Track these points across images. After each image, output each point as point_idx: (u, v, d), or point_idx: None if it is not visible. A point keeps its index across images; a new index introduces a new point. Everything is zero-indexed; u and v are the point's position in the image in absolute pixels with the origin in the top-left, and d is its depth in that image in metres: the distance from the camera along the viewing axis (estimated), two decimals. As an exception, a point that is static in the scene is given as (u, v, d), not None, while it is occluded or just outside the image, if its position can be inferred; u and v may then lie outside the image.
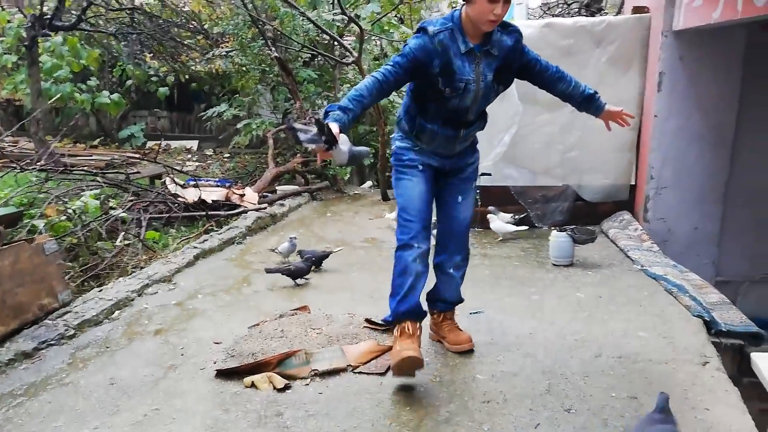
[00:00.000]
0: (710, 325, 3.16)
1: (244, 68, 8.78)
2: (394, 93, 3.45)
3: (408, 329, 2.66)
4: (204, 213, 5.73)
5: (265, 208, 6.16)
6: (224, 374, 2.73)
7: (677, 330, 3.13)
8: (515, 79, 2.75)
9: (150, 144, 11.57)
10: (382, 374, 2.71)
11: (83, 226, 4.74)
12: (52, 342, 3.09)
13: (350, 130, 2.36)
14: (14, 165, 5.41)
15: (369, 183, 8.53)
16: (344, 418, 2.37)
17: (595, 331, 3.15)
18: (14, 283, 3.22)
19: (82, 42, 9.52)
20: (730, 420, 2.29)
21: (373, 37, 8.59)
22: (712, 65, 4.80)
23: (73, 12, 8.81)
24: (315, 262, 4.23)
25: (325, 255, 4.36)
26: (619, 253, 4.60)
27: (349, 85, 8.61)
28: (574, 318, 3.35)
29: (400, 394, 2.54)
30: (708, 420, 2.29)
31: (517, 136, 5.15)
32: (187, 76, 11.28)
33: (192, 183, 6.27)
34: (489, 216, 5.06)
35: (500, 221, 5.02)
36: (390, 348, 2.82)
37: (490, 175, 5.17)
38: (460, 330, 2.99)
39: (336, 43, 7.89)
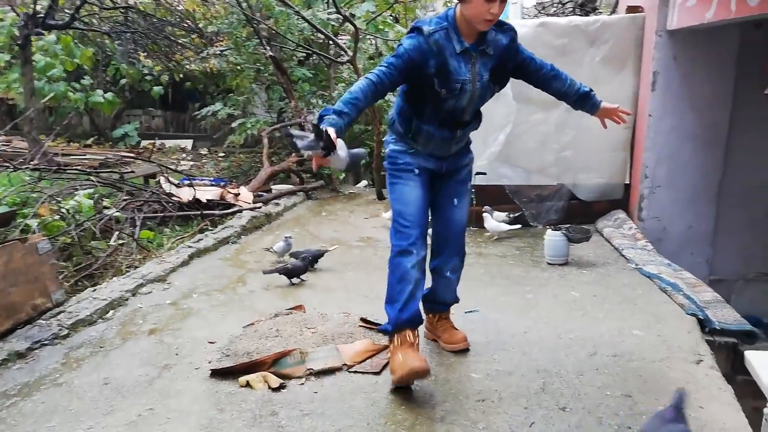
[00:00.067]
0: (704, 324, 3.18)
1: (238, 67, 8.76)
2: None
3: (409, 337, 2.60)
4: (199, 212, 5.72)
5: (260, 207, 6.15)
6: (219, 374, 2.72)
7: (671, 328, 3.14)
8: (510, 79, 2.72)
9: (144, 143, 11.55)
10: (378, 373, 2.71)
11: (77, 226, 4.72)
12: (45, 342, 3.08)
13: (346, 133, 2.32)
14: (7, 164, 5.38)
15: (364, 182, 8.52)
16: (339, 417, 2.37)
17: (590, 329, 3.16)
18: (7, 283, 3.20)
19: (76, 41, 9.48)
20: (724, 418, 2.30)
21: (368, 36, 8.58)
22: (706, 65, 4.82)
23: (67, 11, 8.76)
24: (310, 261, 4.22)
25: (320, 254, 4.36)
26: (614, 251, 4.62)
27: (344, 84, 8.60)
28: (568, 317, 3.36)
29: (395, 393, 2.54)
30: (702, 418, 2.29)
31: (512, 135, 5.16)
32: (181, 75, 11.24)
33: (186, 182, 6.25)
34: (484, 215, 5.06)
35: (494, 220, 5.03)
36: (385, 347, 2.82)
37: (485, 174, 5.17)
38: (456, 329, 2.98)
39: (331, 42, 7.88)
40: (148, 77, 11.17)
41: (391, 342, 2.64)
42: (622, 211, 5.35)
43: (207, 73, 10.84)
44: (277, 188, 7.31)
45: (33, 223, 4.59)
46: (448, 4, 7.98)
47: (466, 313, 3.34)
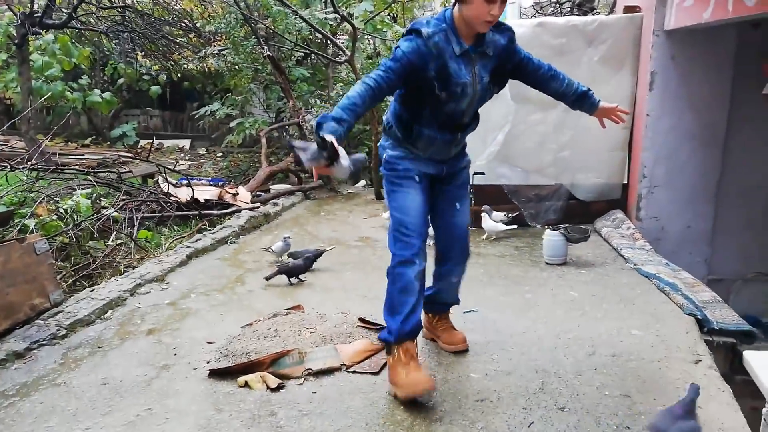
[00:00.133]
0: (703, 324, 3.18)
1: (236, 67, 8.77)
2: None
3: (410, 350, 2.54)
4: (197, 212, 5.71)
5: (258, 207, 6.14)
6: (217, 374, 2.72)
7: (670, 328, 3.14)
8: (508, 80, 2.68)
9: (142, 143, 11.54)
10: (376, 373, 2.70)
11: (75, 226, 4.71)
12: (43, 342, 3.07)
13: (345, 139, 2.27)
14: (5, 164, 5.36)
15: (363, 182, 8.52)
16: (338, 417, 2.36)
17: (589, 329, 3.16)
18: (5, 283, 3.19)
19: (73, 40, 9.47)
20: (723, 418, 2.30)
21: (366, 36, 8.58)
22: (704, 64, 4.83)
23: (64, 10, 8.75)
24: (311, 260, 4.22)
25: (318, 254, 4.36)
26: (612, 251, 4.62)
27: (342, 84, 8.60)
28: (567, 316, 3.36)
29: (394, 394, 2.54)
30: (701, 418, 2.28)
31: (510, 135, 5.16)
32: (179, 75, 11.24)
33: (184, 182, 6.25)
34: (482, 215, 5.06)
35: (491, 220, 5.02)
36: (383, 348, 2.81)
37: (483, 174, 5.18)
38: (455, 330, 2.97)
39: (329, 41, 7.88)
40: (146, 77, 11.17)
41: (392, 354, 2.56)
42: (621, 210, 5.35)
43: (205, 73, 10.85)
44: (275, 188, 7.31)
45: (31, 222, 4.59)
46: (446, 4, 7.98)
47: (464, 313, 3.34)
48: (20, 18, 7.36)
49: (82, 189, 5.45)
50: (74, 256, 4.52)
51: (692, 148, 4.97)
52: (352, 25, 7.11)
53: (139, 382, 2.69)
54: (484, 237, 5.09)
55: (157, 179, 6.45)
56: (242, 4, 7.68)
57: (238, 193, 6.35)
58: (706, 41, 4.74)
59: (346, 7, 8.10)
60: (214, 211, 5.81)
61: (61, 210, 4.90)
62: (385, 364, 2.68)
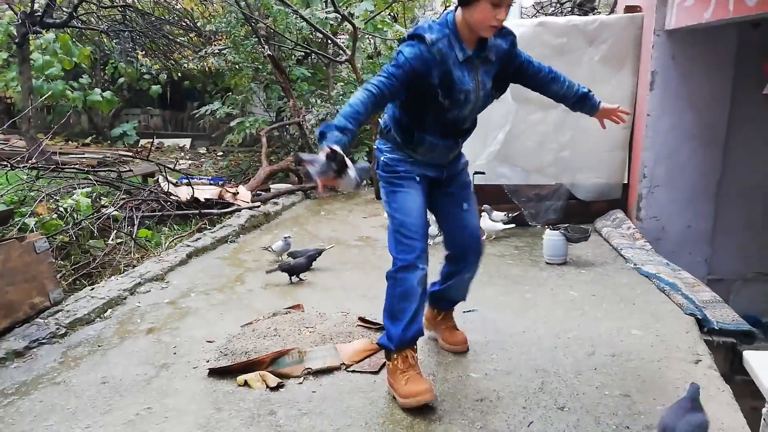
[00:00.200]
0: (703, 324, 3.18)
1: (237, 66, 8.77)
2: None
3: (411, 358, 2.50)
4: (197, 211, 5.71)
5: (258, 206, 6.14)
6: (217, 373, 2.72)
7: (670, 328, 3.14)
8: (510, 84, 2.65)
9: (142, 142, 11.55)
10: (376, 373, 2.70)
11: (75, 225, 4.71)
12: (43, 341, 3.07)
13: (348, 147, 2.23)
14: (5, 163, 5.36)
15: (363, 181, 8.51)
16: (337, 416, 2.36)
17: (589, 329, 3.16)
18: (5, 282, 3.19)
19: (74, 39, 9.47)
20: (722, 418, 2.30)
21: (366, 36, 8.57)
22: (705, 64, 4.83)
23: (65, 9, 8.75)
24: (313, 258, 4.23)
25: (318, 253, 4.36)
26: (612, 251, 4.62)
27: (342, 84, 8.60)
28: (567, 316, 3.36)
29: (394, 393, 2.54)
30: (701, 417, 2.29)
31: (511, 135, 5.16)
32: (179, 74, 11.24)
33: (185, 181, 6.25)
34: (482, 214, 5.06)
35: (490, 220, 5.02)
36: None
37: (483, 173, 5.17)
38: (457, 330, 2.96)
39: (329, 41, 7.88)
40: (147, 76, 11.17)
41: (391, 361, 2.51)
42: (621, 210, 5.35)
43: (205, 72, 10.85)
44: (275, 187, 7.31)
45: (31, 221, 4.59)
46: (447, 4, 7.98)
47: (464, 312, 3.33)
48: (21, 17, 7.36)
49: (83, 188, 5.45)
50: (74, 255, 4.52)
51: (692, 147, 4.97)
52: (353, 25, 7.11)
53: (138, 381, 2.69)
54: (483, 237, 5.08)
55: (158, 178, 6.46)
56: (243, 3, 7.68)
57: (238, 193, 6.35)
58: (706, 41, 4.73)
59: (347, 7, 8.10)
60: (214, 210, 5.82)
61: (61, 209, 4.90)
62: (384, 364, 2.68)
